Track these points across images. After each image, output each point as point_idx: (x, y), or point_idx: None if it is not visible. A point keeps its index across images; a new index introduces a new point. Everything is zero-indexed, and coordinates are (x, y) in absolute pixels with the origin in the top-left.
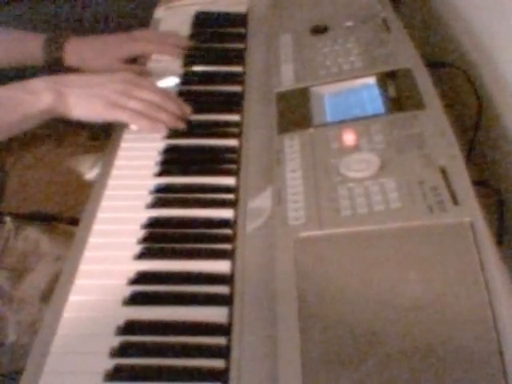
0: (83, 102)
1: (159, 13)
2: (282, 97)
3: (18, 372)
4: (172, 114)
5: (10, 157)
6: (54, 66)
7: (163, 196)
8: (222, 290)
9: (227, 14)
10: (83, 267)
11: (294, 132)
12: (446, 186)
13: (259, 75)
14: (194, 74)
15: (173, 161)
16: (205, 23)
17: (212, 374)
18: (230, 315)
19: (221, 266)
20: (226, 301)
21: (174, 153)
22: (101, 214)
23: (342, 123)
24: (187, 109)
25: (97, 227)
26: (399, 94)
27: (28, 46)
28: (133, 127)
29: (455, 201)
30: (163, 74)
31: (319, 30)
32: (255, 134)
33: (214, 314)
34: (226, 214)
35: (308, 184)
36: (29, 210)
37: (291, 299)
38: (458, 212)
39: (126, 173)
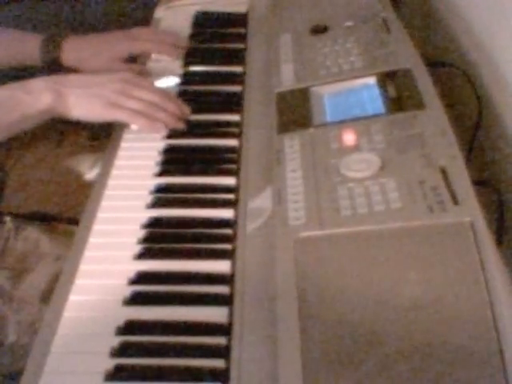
0: (83, 101)
1: (159, 13)
2: (282, 97)
3: (18, 372)
4: (171, 114)
5: (10, 157)
6: (53, 66)
7: (163, 196)
8: (222, 289)
9: (227, 14)
10: (83, 267)
11: (294, 132)
12: (446, 186)
13: (259, 75)
14: (194, 74)
15: (173, 161)
16: (205, 23)
17: (212, 373)
18: (230, 315)
19: (221, 266)
20: (226, 301)
21: (174, 153)
22: (101, 214)
23: (342, 123)
24: (186, 109)
25: (97, 227)
26: (399, 94)
27: (27, 46)
28: (133, 127)
29: (455, 201)
30: (163, 74)
31: (319, 30)
32: (255, 134)
33: (214, 314)
34: (226, 214)
35: (308, 184)
36: (29, 210)
37: (291, 299)
38: (458, 212)
39: (126, 173)
